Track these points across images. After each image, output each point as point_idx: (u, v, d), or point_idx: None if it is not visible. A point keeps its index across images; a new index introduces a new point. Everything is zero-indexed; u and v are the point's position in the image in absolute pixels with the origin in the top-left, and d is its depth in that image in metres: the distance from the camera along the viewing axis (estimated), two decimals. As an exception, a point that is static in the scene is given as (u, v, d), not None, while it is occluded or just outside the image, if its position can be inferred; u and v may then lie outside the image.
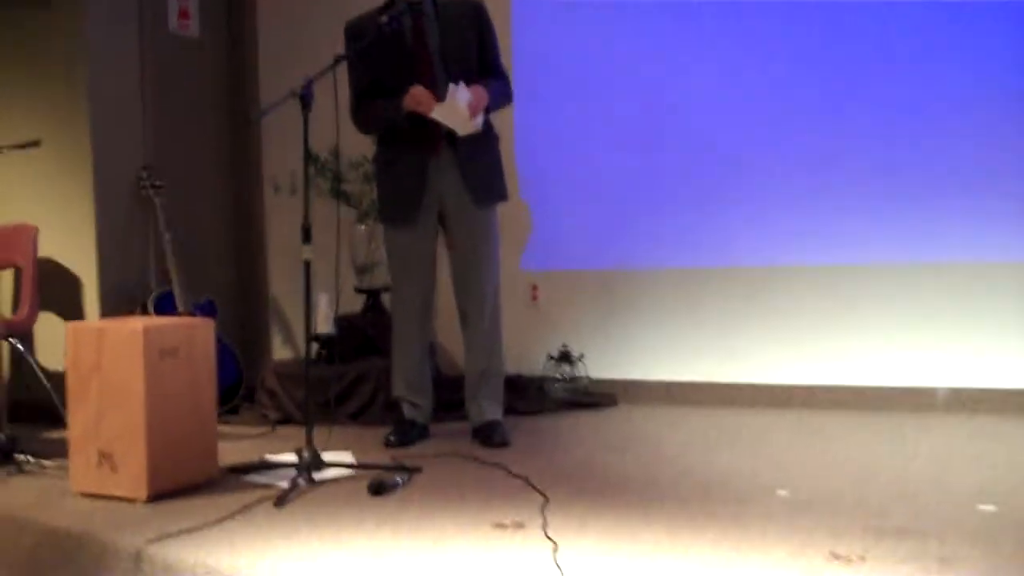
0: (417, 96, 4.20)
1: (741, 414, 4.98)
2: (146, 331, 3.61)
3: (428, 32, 4.34)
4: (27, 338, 5.11)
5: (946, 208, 4.85)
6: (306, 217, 3.92)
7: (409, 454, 4.19)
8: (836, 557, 2.70)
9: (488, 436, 4.39)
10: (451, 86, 4.15)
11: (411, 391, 4.54)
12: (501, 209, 4.55)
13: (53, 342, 5.14)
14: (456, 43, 4.34)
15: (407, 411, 4.55)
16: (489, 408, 4.49)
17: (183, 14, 5.95)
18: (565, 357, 5.39)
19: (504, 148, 4.62)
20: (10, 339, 4.81)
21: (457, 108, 4.16)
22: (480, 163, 4.39)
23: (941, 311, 4.86)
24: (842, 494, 3.40)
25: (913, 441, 4.26)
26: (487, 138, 4.43)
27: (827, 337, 5.07)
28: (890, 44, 4.94)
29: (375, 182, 4.67)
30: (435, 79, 4.27)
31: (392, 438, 4.44)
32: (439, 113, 4.18)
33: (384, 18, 4.20)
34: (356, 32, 4.36)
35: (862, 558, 2.69)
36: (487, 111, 4.31)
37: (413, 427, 4.52)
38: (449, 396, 4.77)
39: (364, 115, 4.41)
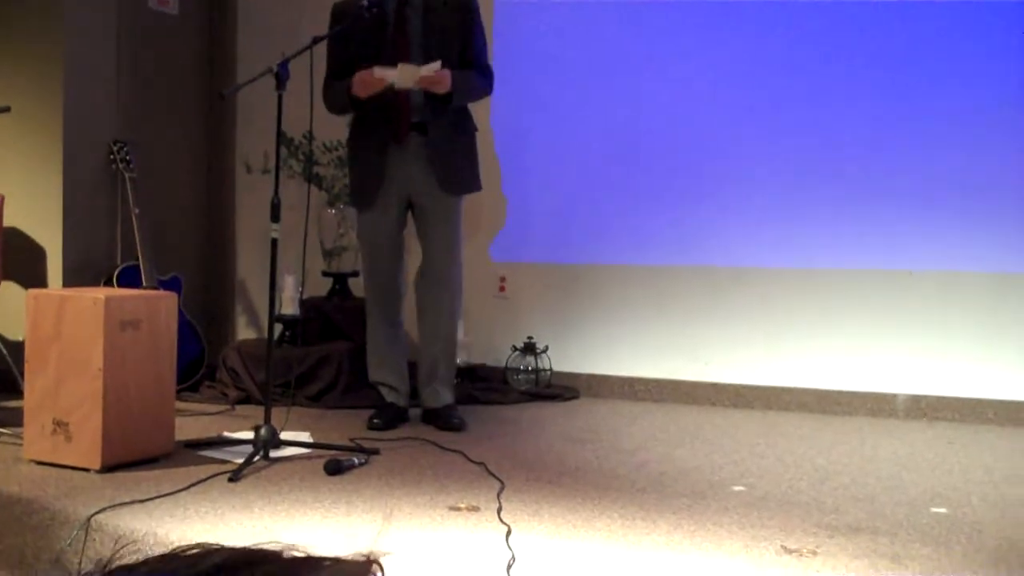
0: (361, 79, 4.19)
1: (702, 412, 5.00)
2: (108, 301, 3.57)
3: (411, 21, 4.34)
4: (-12, 306, 5.07)
5: (917, 216, 4.89)
6: (276, 194, 3.90)
7: (369, 436, 4.17)
8: (788, 551, 2.71)
9: (447, 420, 4.41)
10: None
11: (384, 374, 4.54)
12: (478, 200, 4.53)
13: (14, 311, 5.07)
14: (438, 35, 4.33)
15: (386, 394, 4.54)
16: (444, 392, 4.52)
17: (163, -11, 5.91)
18: (529, 348, 5.39)
19: (483, 141, 4.62)
20: (-30, 306, 4.77)
21: (407, 69, 4.14)
22: (450, 152, 4.39)
23: (906, 318, 4.90)
24: (798, 492, 3.41)
25: (871, 445, 4.28)
26: (462, 127, 4.45)
27: (791, 339, 5.09)
28: (883, 54, 4.96)
29: (347, 165, 4.66)
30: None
31: (376, 421, 4.43)
32: (384, 74, 4.15)
33: (365, 2, 4.20)
34: (341, 13, 4.35)
35: (813, 552, 2.70)
36: (451, 98, 4.25)
37: (395, 410, 4.52)
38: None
39: (327, 95, 4.43)
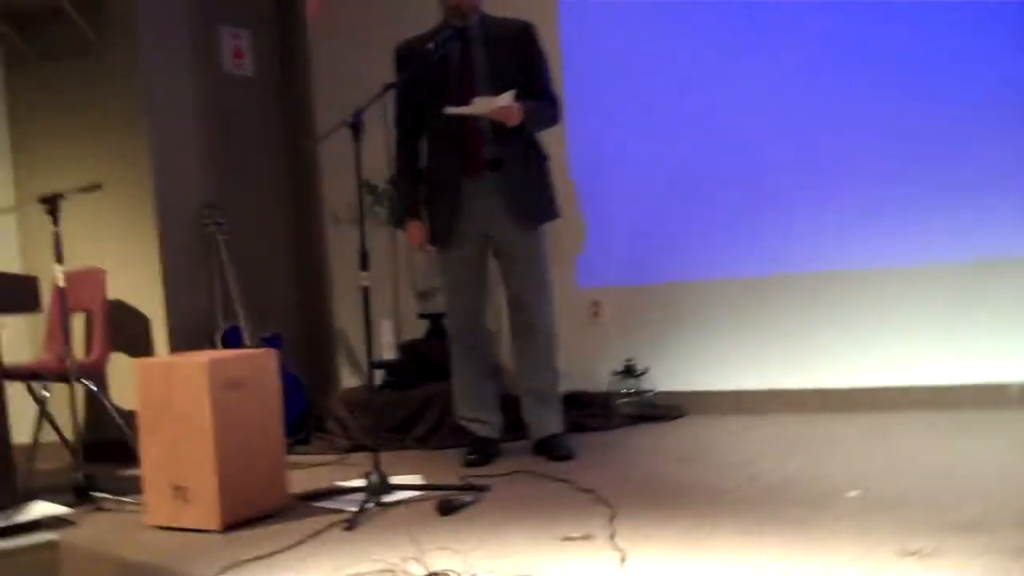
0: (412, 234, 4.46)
1: (810, 420, 4.93)
2: (211, 364, 3.67)
3: (475, 58, 4.37)
4: (100, 378, 5.22)
5: (1010, 203, 4.77)
6: (362, 244, 3.96)
7: (477, 473, 4.20)
8: (909, 553, 2.66)
9: (553, 448, 4.41)
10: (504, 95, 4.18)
11: (474, 410, 4.57)
12: (558, 228, 4.55)
13: (126, 381, 5.25)
14: (503, 68, 4.35)
15: (478, 429, 4.57)
16: (551, 421, 4.52)
17: (237, 54, 6.06)
18: (629, 371, 5.37)
19: (558, 163, 4.61)
20: (83, 380, 4.91)
21: (483, 100, 4.18)
22: (525, 186, 4.40)
23: (1009, 307, 4.78)
24: (914, 492, 3.35)
25: (985, 438, 4.19)
26: (534, 158, 4.46)
27: (894, 338, 4.99)
28: (931, 52, 4.88)
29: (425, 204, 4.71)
30: None
31: (472, 456, 4.46)
32: (460, 110, 4.19)
33: (431, 45, 4.24)
34: (405, 56, 4.41)
35: (936, 552, 2.65)
36: (523, 128, 4.28)
37: (489, 444, 4.54)
38: (516, 416, 4.78)
39: (398, 168, 4.57)
